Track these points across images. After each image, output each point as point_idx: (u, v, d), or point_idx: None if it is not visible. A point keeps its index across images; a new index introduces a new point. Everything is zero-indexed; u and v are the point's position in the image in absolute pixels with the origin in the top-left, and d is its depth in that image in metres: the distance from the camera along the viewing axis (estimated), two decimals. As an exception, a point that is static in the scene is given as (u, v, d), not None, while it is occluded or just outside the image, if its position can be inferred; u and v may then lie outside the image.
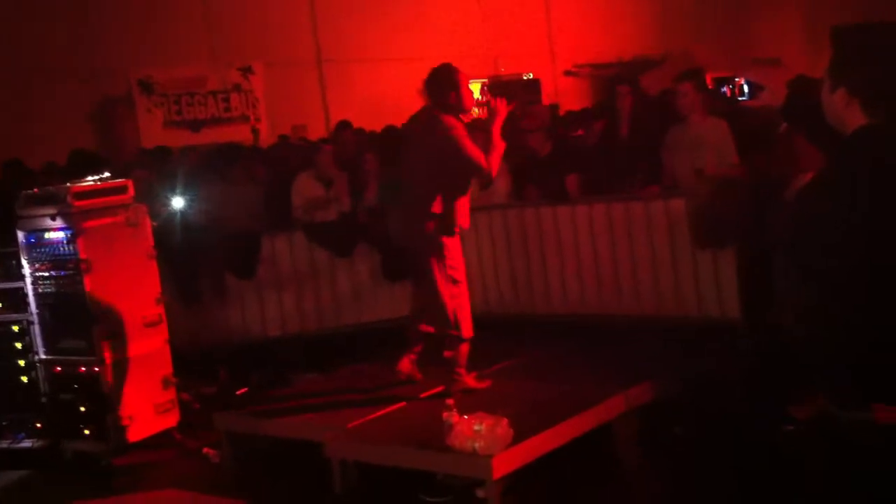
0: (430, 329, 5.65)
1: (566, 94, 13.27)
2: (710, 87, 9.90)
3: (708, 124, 6.40)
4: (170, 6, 10.99)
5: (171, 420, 6.11)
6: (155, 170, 8.03)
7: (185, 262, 7.24)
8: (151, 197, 6.74)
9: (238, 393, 6.46)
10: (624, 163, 6.88)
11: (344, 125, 8.62)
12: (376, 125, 9.12)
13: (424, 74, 5.44)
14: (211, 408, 6.10)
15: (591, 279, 6.64)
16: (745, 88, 11.12)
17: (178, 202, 6.94)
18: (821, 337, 2.22)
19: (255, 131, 10.71)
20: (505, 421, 4.42)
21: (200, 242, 7.25)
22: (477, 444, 4.36)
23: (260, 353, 7.22)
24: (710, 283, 6.09)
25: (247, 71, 11.15)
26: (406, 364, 5.68)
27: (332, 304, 7.53)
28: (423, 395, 5.46)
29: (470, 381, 5.45)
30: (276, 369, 6.75)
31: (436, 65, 5.44)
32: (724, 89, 10.85)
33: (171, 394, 6.15)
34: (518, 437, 4.43)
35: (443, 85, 5.38)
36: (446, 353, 5.44)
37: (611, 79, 12.65)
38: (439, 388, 5.46)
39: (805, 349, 2.28)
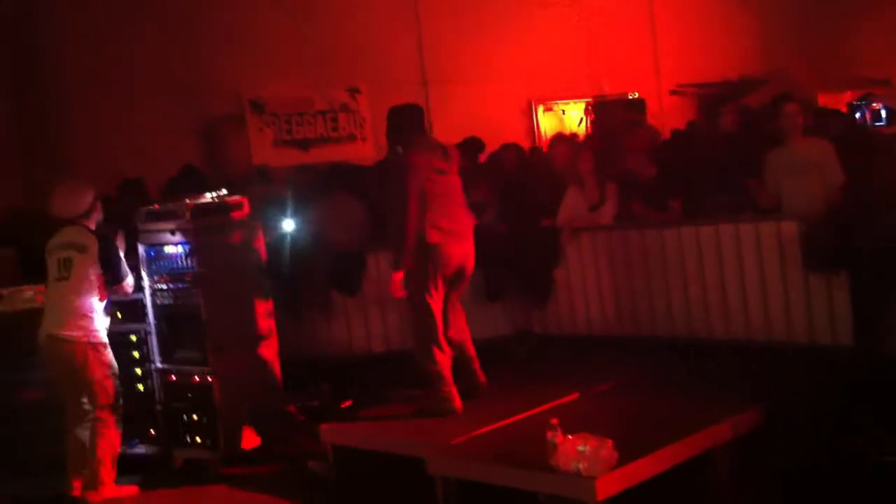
0: None
1: (671, 114, 13.10)
2: (818, 107, 9.61)
3: (813, 146, 6.27)
4: (276, 26, 11.16)
5: (279, 431, 6.26)
6: (271, 187, 8.27)
7: (293, 277, 7.40)
8: (266, 214, 6.94)
9: (343, 406, 6.56)
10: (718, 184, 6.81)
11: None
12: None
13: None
14: (316, 420, 6.21)
15: (697, 302, 6.53)
16: (883, 114, 10.59)
17: (289, 220, 7.12)
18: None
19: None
20: (610, 443, 4.39)
21: (308, 258, 7.41)
22: (581, 466, 4.33)
23: (364, 369, 7.33)
24: (822, 308, 5.92)
25: (354, 91, 11.33)
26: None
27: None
28: (526, 414, 5.48)
29: None
30: (379, 385, 6.84)
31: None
32: (858, 115, 10.38)
33: (280, 405, 6.31)
34: (623, 460, 4.40)
35: None
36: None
37: (715, 98, 12.45)
38: (542, 408, 5.48)
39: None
